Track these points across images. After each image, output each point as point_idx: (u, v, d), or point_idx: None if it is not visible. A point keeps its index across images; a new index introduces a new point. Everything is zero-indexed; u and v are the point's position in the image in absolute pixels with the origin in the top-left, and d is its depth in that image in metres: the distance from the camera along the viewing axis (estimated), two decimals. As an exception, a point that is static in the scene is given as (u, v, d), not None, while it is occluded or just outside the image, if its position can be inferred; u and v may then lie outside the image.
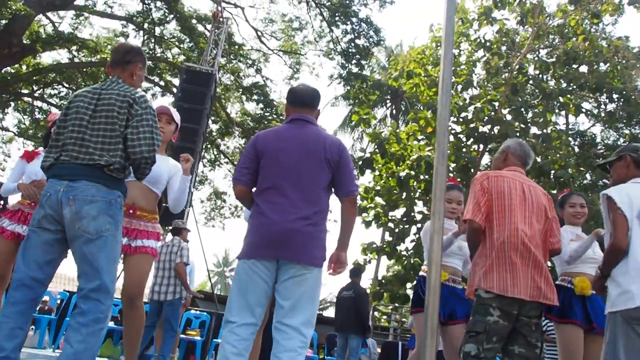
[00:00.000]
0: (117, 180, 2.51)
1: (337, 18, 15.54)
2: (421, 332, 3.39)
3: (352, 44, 15.44)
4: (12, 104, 17.01)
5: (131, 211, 3.15)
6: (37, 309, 7.16)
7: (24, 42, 14.00)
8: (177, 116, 3.52)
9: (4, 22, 13.80)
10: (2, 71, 14.86)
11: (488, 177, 2.86)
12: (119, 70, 2.71)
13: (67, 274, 20.02)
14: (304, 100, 2.78)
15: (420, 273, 3.85)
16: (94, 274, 2.40)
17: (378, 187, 13.89)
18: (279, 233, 2.48)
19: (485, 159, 14.62)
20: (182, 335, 7.74)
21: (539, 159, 13.61)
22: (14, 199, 3.88)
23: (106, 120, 2.51)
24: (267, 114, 16.12)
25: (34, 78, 16.12)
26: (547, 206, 2.89)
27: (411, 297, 3.76)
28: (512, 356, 2.69)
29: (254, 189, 2.71)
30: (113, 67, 2.73)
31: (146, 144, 2.49)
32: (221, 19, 11.51)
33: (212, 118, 14.56)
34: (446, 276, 3.60)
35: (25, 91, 16.83)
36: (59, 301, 8.46)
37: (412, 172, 13.12)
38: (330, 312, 27.97)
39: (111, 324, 7.30)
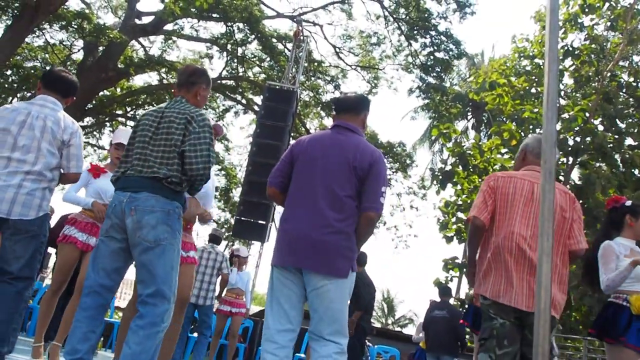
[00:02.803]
0: (176, 192, 2.63)
1: (415, 32, 15.44)
2: None
3: (432, 57, 15.27)
4: (108, 124, 18.23)
5: (188, 226, 3.46)
6: (114, 315, 7.66)
7: (119, 66, 15.01)
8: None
9: (101, 48, 14.88)
10: (100, 94, 15.99)
11: (496, 178, 2.76)
12: (184, 90, 2.86)
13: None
14: (344, 106, 2.79)
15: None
16: (150, 280, 2.52)
17: (460, 202, 13.54)
18: (300, 242, 2.46)
19: (575, 173, 13.88)
20: (225, 341, 7.92)
21: (636, 172, 12.75)
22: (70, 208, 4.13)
23: (166, 137, 2.66)
24: (346, 129, 16.21)
25: (127, 99, 17.21)
26: (564, 206, 2.66)
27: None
28: None
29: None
30: (179, 88, 2.89)
31: (202, 162, 2.61)
32: (301, 38, 11.76)
33: (292, 134, 14.86)
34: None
35: (119, 112, 18.01)
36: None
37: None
38: (409, 330, 27.37)
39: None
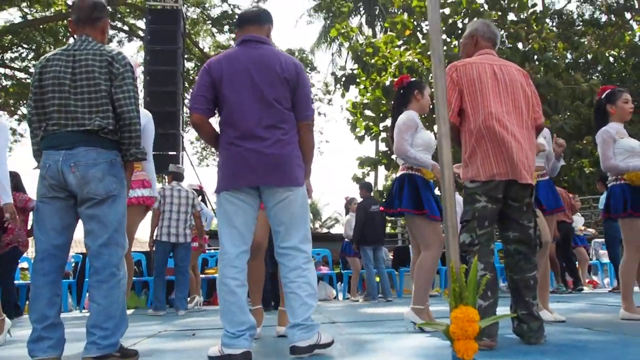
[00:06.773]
0: (112, 141, 2.54)
1: None
2: (426, 234, 3.46)
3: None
4: (-25, 74, 16.42)
5: None
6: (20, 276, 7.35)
7: (-29, 7, 13.31)
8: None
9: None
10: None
11: (456, 68, 2.81)
12: (89, 28, 2.63)
13: (77, 238, 20.19)
14: (248, 19, 2.71)
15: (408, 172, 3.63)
16: (102, 230, 2.47)
17: (366, 101, 13.82)
18: (255, 160, 2.47)
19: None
20: (201, 275, 7.98)
21: (520, 45, 13.46)
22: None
23: (88, 82, 2.49)
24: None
25: (-10, 44, 15.45)
26: (523, 82, 2.85)
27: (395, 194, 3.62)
28: (509, 242, 2.77)
29: (213, 119, 2.66)
30: (80, 25, 2.64)
31: (131, 103, 2.52)
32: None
33: (186, 56, 14.15)
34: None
35: (-17, 59, 16.20)
36: (74, 264, 8.61)
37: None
38: (337, 229, 28.56)
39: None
